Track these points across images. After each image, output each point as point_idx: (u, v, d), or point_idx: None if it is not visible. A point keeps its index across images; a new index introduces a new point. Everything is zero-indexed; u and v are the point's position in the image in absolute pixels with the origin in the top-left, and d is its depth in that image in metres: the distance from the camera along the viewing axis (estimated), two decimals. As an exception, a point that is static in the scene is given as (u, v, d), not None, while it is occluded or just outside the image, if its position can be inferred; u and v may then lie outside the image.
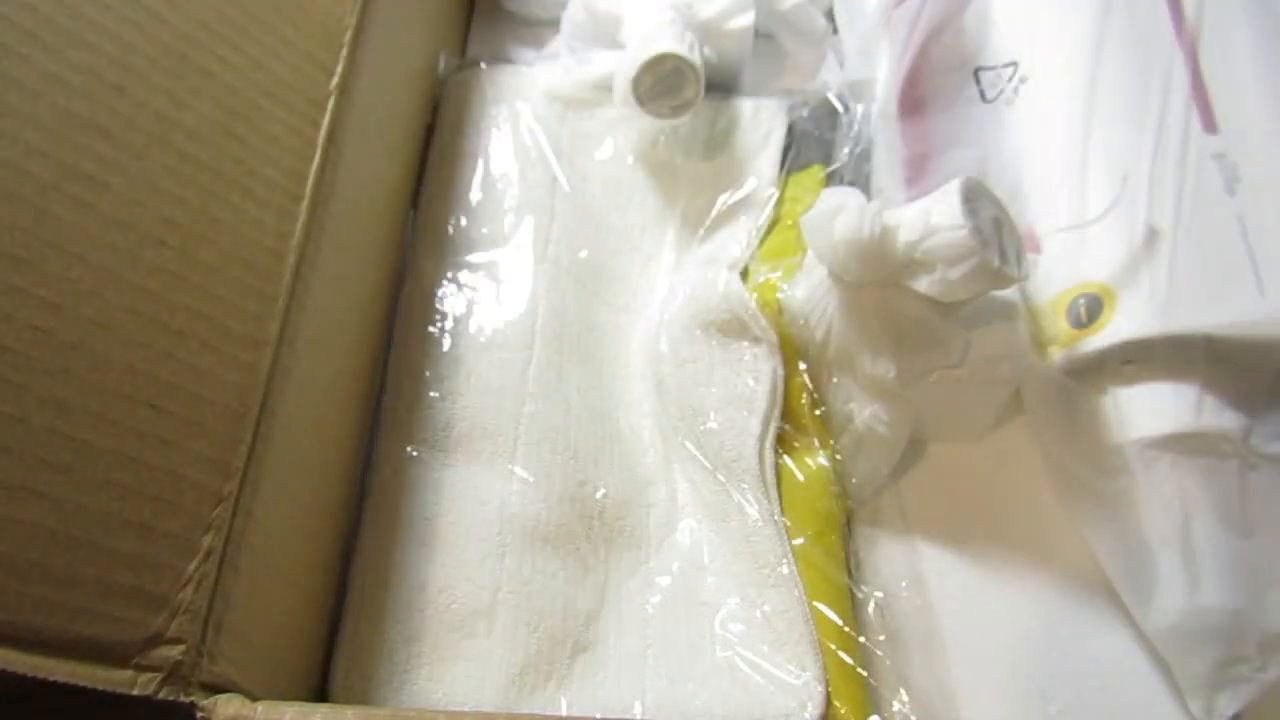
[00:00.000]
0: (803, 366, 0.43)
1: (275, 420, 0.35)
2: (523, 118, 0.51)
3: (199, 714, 0.31)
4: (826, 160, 0.49)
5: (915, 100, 0.47)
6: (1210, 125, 0.41)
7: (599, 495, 0.43)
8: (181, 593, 0.31)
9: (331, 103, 0.39)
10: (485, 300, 0.47)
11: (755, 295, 0.44)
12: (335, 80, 0.40)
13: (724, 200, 0.49)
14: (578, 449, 0.44)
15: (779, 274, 0.45)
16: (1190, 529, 0.37)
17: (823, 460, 0.42)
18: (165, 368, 0.31)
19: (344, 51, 0.40)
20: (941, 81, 0.47)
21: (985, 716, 0.40)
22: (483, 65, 0.54)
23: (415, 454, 0.43)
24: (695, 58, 0.47)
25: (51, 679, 0.28)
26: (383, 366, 0.47)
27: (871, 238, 0.38)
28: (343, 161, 0.40)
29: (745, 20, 0.51)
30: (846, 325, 0.41)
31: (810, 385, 0.43)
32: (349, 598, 0.41)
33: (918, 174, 0.47)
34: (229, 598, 0.32)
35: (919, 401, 0.42)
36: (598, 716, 0.39)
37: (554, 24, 0.58)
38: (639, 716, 0.39)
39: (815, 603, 0.40)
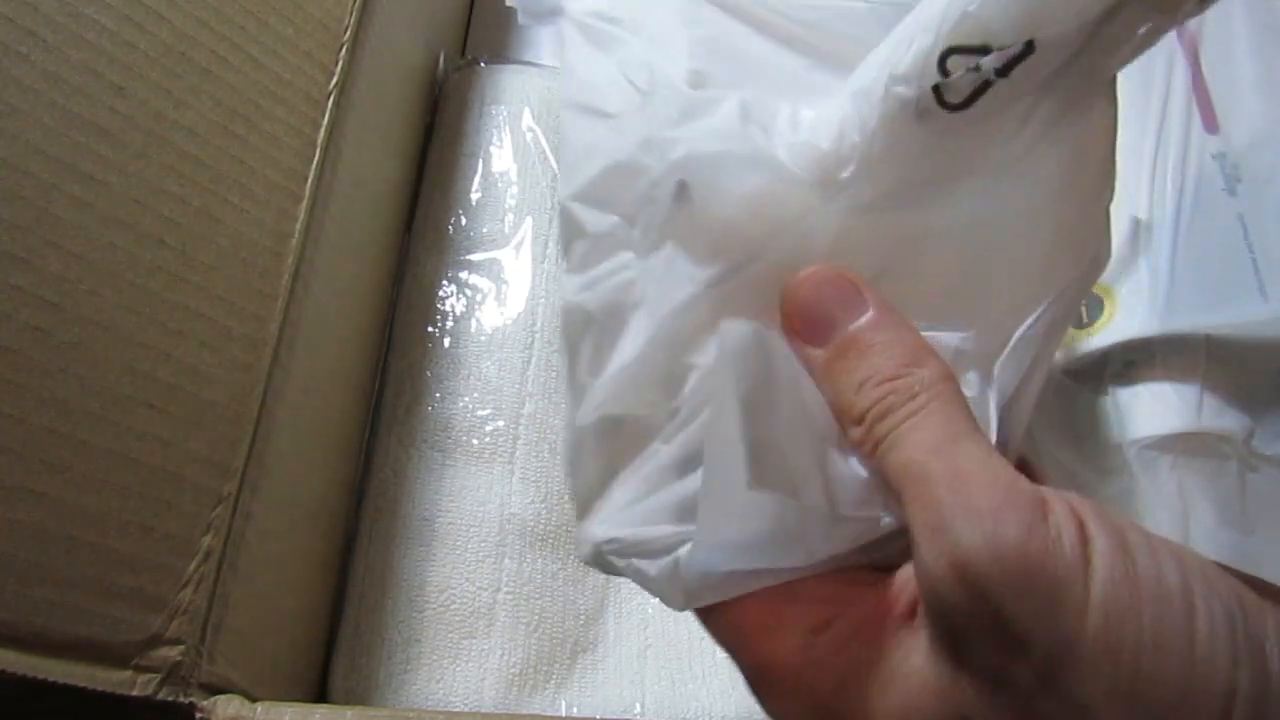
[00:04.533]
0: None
1: (275, 420, 0.35)
2: (523, 117, 0.51)
3: (198, 714, 0.31)
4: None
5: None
6: (1211, 125, 0.41)
7: (599, 495, 0.43)
8: (181, 593, 0.31)
9: (331, 103, 0.39)
10: (485, 300, 0.47)
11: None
12: (335, 80, 0.39)
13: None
14: (578, 449, 0.44)
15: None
16: (1190, 529, 0.37)
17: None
18: (165, 368, 0.31)
19: (343, 51, 0.40)
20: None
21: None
22: (483, 65, 0.54)
23: (415, 454, 0.43)
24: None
25: (51, 679, 0.28)
26: (383, 366, 0.47)
27: None
28: (342, 161, 0.40)
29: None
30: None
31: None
32: (349, 598, 0.41)
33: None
34: (228, 598, 0.32)
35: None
36: (598, 717, 0.39)
37: (554, 23, 0.57)
38: (639, 716, 0.39)
39: (815, 603, 0.40)
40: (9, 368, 0.28)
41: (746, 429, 0.19)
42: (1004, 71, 0.19)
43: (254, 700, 0.31)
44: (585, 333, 0.22)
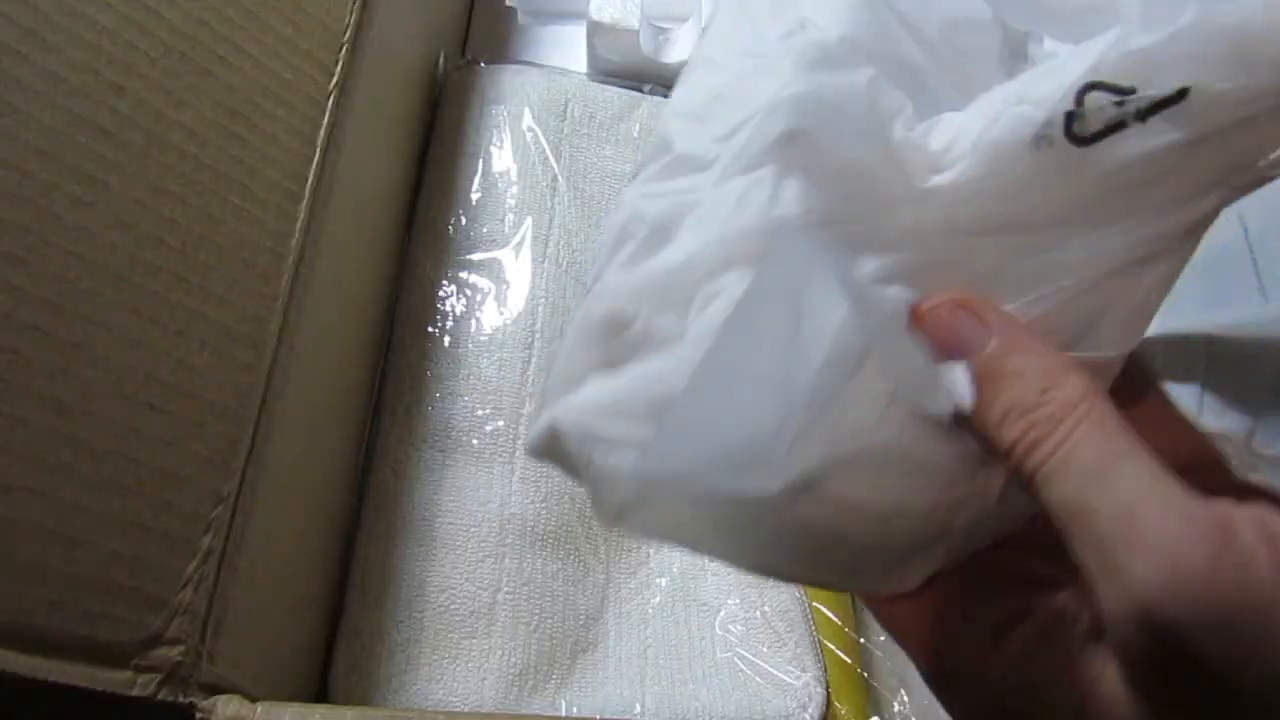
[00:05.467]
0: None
1: (275, 420, 0.35)
2: (523, 118, 0.51)
3: (198, 714, 0.31)
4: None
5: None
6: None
7: (599, 495, 0.43)
8: (181, 593, 0.31)
9: (331, 103, 0.39)
10: (485, 300, 0.47)
11: (755, 295, 0.44)
12: (335, 80, 0.39)
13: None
14: (578, 449, 0.44)
15: (779, 274, 0.45)
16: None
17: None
18: (165, 368, 0.31)
19: (344, 51, 0.40)
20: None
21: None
22: (483, 65, 0.54)
23: (415, 454, 0.43)
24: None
25: (51, 679, 0.28)
26: (383, 366, 0.47)
27: None
28: (342, 161, 0.40)
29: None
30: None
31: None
32: (349, 598, 0.41)
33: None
34: (228, 598, 0.32)
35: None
36: (598, 717, 0.39)
37: (554, 23, 0.58)
38: (639, 716, 0.39)
39: (815, 603, 0.40)
40: (9, 368, 0.28)
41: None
42: (1144, 115, 0.18)
43: (254, 700, 0.31)
44: (630, 236, 0.21)
